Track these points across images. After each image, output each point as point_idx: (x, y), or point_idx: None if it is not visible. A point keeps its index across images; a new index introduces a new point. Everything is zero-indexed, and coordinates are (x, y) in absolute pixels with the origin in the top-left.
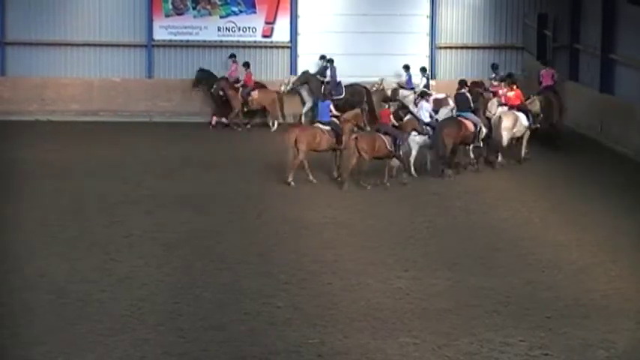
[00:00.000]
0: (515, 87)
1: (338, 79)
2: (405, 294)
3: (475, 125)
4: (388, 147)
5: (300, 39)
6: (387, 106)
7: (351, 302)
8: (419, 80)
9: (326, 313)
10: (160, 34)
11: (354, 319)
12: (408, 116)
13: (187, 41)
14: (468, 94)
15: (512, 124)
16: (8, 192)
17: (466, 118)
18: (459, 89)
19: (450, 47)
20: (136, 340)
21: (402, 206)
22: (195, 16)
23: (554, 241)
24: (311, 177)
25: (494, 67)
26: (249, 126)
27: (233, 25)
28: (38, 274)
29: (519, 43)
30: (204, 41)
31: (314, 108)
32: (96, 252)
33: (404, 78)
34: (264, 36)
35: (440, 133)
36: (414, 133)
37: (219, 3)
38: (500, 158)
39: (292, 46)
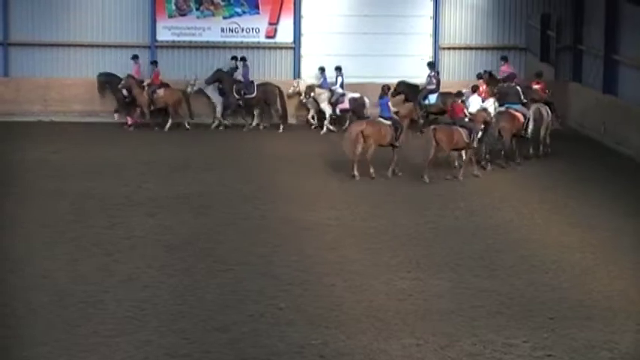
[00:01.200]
0: (539, 80)
1: (250, 78)
2: (407, 295)
3: (524, 117)
4: (465, 139)
5: (303, 40)
6: (459, 101)
7: (354, 303)
8: (334, 79)
9: (329, 314)
10: (163, 35)
11: (357, 320)
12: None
13: (191, 42)
14: (519, 87)
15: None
16: (10, 193)
17: (516, 111)
18: (509, 83)
19: (454, 48)
20: (138, 341)
21: (405, 207)
22: (198, 17)
23: (557, 243)
24: (372, 170)
25: (431, 65)
26: (157, 128)
27: (236, 25)
28: (40, 275)
29: (522, 44)
30: (208, 42)
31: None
32: (98, 253)
33: (320, 80)
34: (268, 37)
35: (496, 126)
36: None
37: (222, 4)
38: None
39: (296, 47)
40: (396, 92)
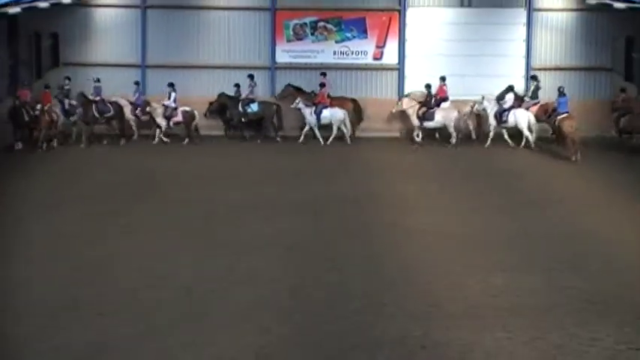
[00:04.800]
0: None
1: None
2: (500, 292)
3: None
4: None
5: (407, 61)
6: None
7: (451, 300)
8: (169, 95)
9: (428, 309)
10: (281, 57)
11: (453, 315)
12: None
13: (306, 64)
14: None
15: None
16: (140, 199)
17: None
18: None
19: (544, 69)
20: (257, 330)
21: (499, 213)
22: (313, 41)
23: None
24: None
25: (251, 77)
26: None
27: (347, 49)
28: (168, 273)
29: (608, 65)
30: (321, 64)
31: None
32: (221, 253)
33: (135, 96)
34: (375, 59)
35: None
36: None
37: (334, 29)
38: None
39: (400, 68)
40: (217, 102)
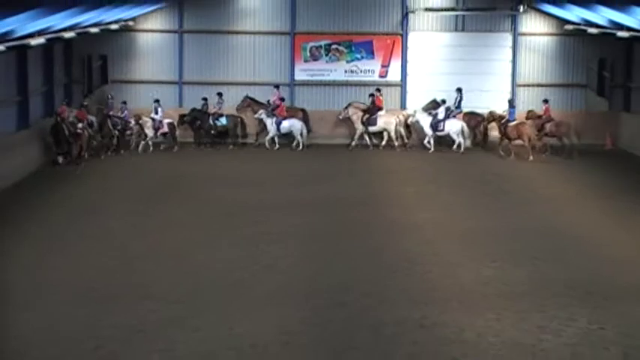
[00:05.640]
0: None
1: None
2: (490, 280)
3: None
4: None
5: (409, 79)
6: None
7: (447, 287)
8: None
9: (426, 294)
10: (299, 75)
11: (449, 300)
12: None
13: (320, 81)
14: None
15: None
16: (173, 199)
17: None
18: None
19: (528, 85)
20: (279, 314)
21: (491, 211)
22: (327, 61)
23: (614, 240)
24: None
25: (219, 95)
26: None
27: (356, 68)
28: (201, 263)
29: (583, 82)
30: (334, 81)
31: None
32: (245, 246)
33: (124, 112)
34: (381, 76)
35: None
36: None
37: (345, 51)
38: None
39: (403, 84)
40: (189, 116)
